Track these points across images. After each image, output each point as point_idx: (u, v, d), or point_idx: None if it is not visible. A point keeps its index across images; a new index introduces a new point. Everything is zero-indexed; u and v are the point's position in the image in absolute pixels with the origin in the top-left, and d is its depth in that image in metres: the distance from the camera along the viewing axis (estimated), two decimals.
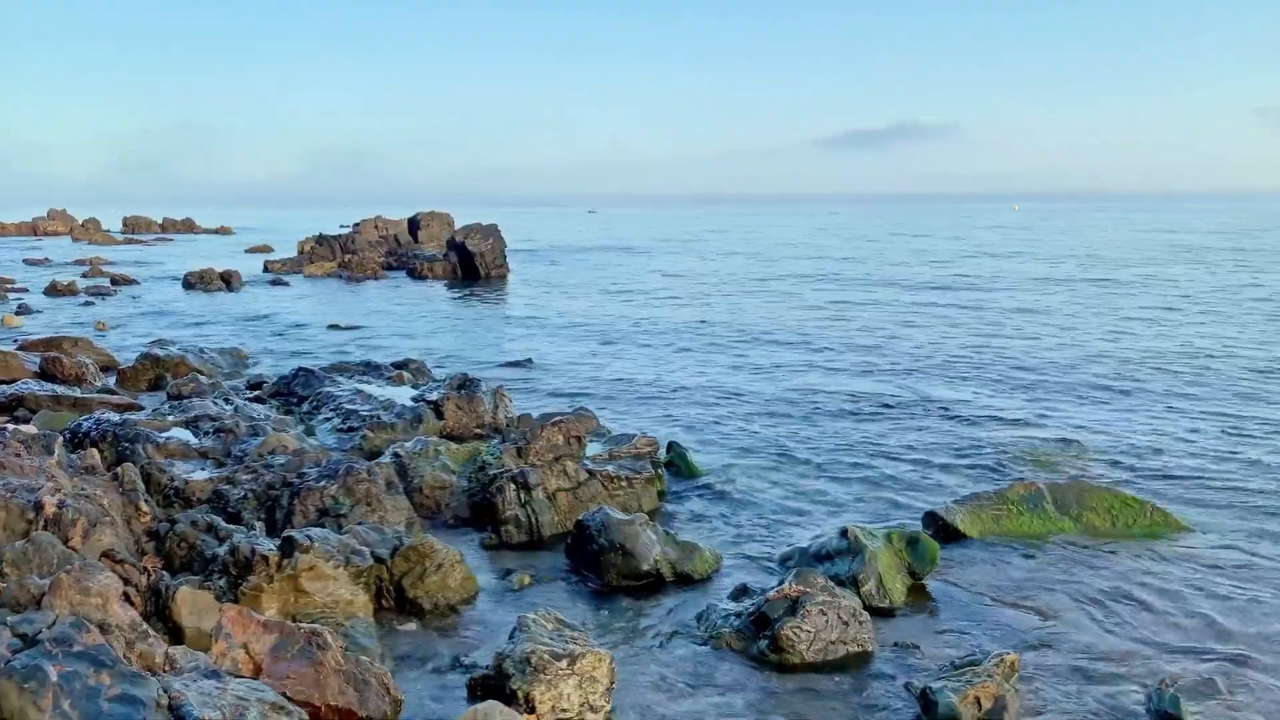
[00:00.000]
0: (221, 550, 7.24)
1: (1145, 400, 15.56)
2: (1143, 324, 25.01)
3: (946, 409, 14.99)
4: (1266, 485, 10.95)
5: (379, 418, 11.89)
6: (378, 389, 13.40)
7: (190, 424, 11.11)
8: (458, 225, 46.96)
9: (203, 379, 14.36)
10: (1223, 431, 13.40)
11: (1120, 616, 7.63)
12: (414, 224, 53.18)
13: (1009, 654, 6.55)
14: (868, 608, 7.56)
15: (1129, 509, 9.86)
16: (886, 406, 15.34)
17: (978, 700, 6.00)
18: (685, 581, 8.37)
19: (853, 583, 7.98)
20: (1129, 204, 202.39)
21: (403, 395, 13.10)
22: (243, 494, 9.05)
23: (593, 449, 11.34)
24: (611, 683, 6.11)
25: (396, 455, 10.31)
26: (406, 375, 14.77)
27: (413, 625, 7.39)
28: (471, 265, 39.45)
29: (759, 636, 7.04)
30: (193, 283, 35.79)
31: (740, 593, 7.92)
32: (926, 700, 6.09)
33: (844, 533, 8.55)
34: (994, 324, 25.28)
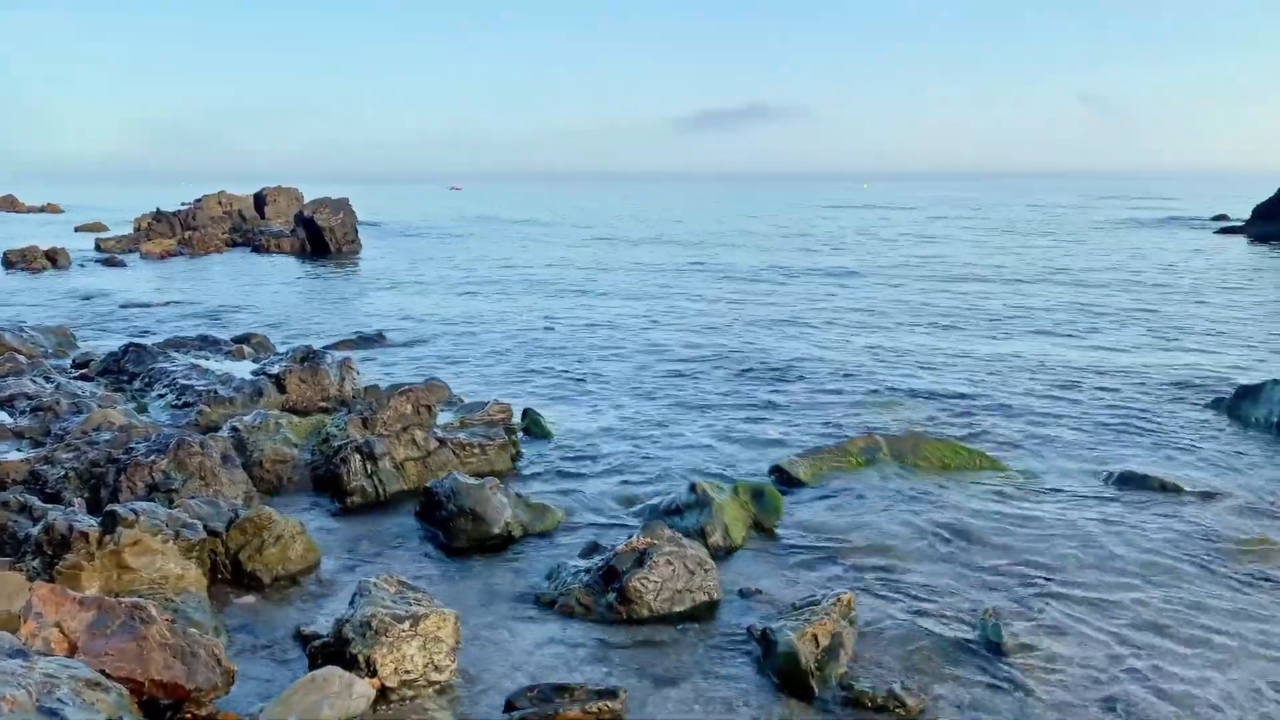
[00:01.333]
0: (35, 530, 6.78)
1: (968, 356, 16.45)
2: (967, 289, 26.38)
3: (792, 366, 15.45)
4: (1072, 430, 11.75)
5: (216, 392, 11.35)
6: (215, 364, 12.81)
7: (4, 404, 10.35)
8: (307, 201, 45.24)
9: (21, 358, 13.39)
10: (1032, 379, 14.30)
11: (950, 553, 8.05)
12: (260, 199, 50.97)
13: (845, 593, 6.81)
14: (715, 557, 7.74)
15: (959, 456, 10.42)
16: (734, 366, 15.70)
17: (815, 638, 6.21)
18: (537, 541, 8.36)
19: (700, 534, 8.15)
20: (968, 183, 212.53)
21: (242, 369, 12.57)
22: (63, 473, 8.50)
23: (445, 418, 11.17)
24: (457, 643, 6.04)
25: (234, 429, 9.88)
26: (247, 349, 14.17)
27: (251, 598, 7.12)
28: (321, 241, 38.12)
29: (607, 590, 7.10)
30: (13, 261, 33.27)
31: (591, 550, 7.96)
32: (767, 641, 6.27)
33: (692, 488, 8.72)
34: (839, 285, 26.18)
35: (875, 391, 14.02)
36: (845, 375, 15.13)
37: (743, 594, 7.36)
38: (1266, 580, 7.49)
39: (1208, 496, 9.31)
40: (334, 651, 5.87)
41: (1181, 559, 7.90)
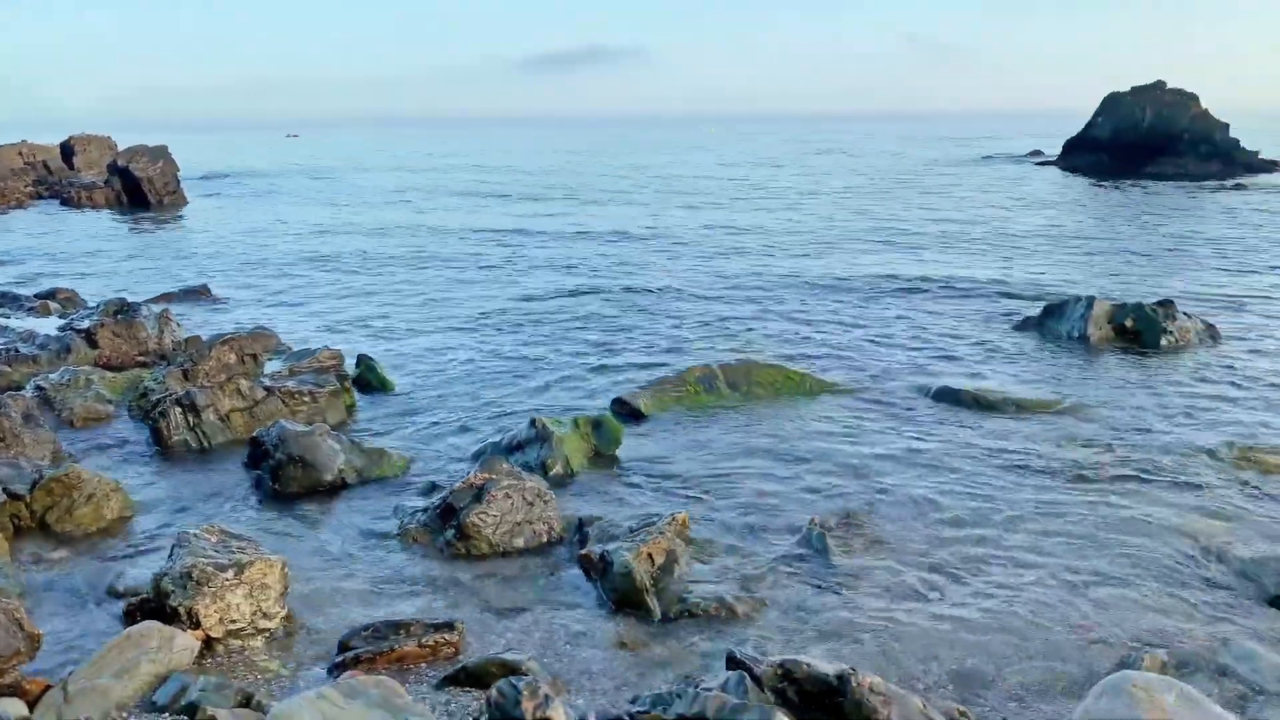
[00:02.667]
0: None
1: (798, 279, 17.01)
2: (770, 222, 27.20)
3: (634, 302, 15.59)
4: (894, 350, 12.38)
5: (17, 350, 10.54)
6: (16, 321, 11.87)
7: None
8: (121, 150, 42.13)
9: None
10: (859, 303, 14.96)
11: (780, 470, 8.36)
12: (67, 149, 47.12)
13: (680, 513, 7.00)
14: (556, 488, 7.78)
15: (790, 380, 10.79)
16: (577, 304, 15.72)
17: (650, 556, 6.36)
18: (374, 486, 8.20)
19: (541, 468, 8.18)
20: (808, 124, 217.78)
21: (48, 326, 11.70)
22: None
23: (273, 366, 10.75)
24: (286, 588, 5.88)
25: (39, 388, 9.22)
26: (53, 305, 13.21)
27: (62, 557, 6.72)
28: (139, 192, 35.64)
29: (446, 527, 7.05)
30: None
31: (429, 490, 7.88)
32: (603, 563, 6.37)
33: (532, 423, 8.72)
34: (679, 220, 26.49)
35: (713, 322, 14.33)
36: (685, 307, 15.38)
37: (583, 521, 7.43)
38: (1066, 478, 8.12)
39: (1016, 406, 9.98)
40: (154, 607, 5.62)
41: (991, 463, 8.47)
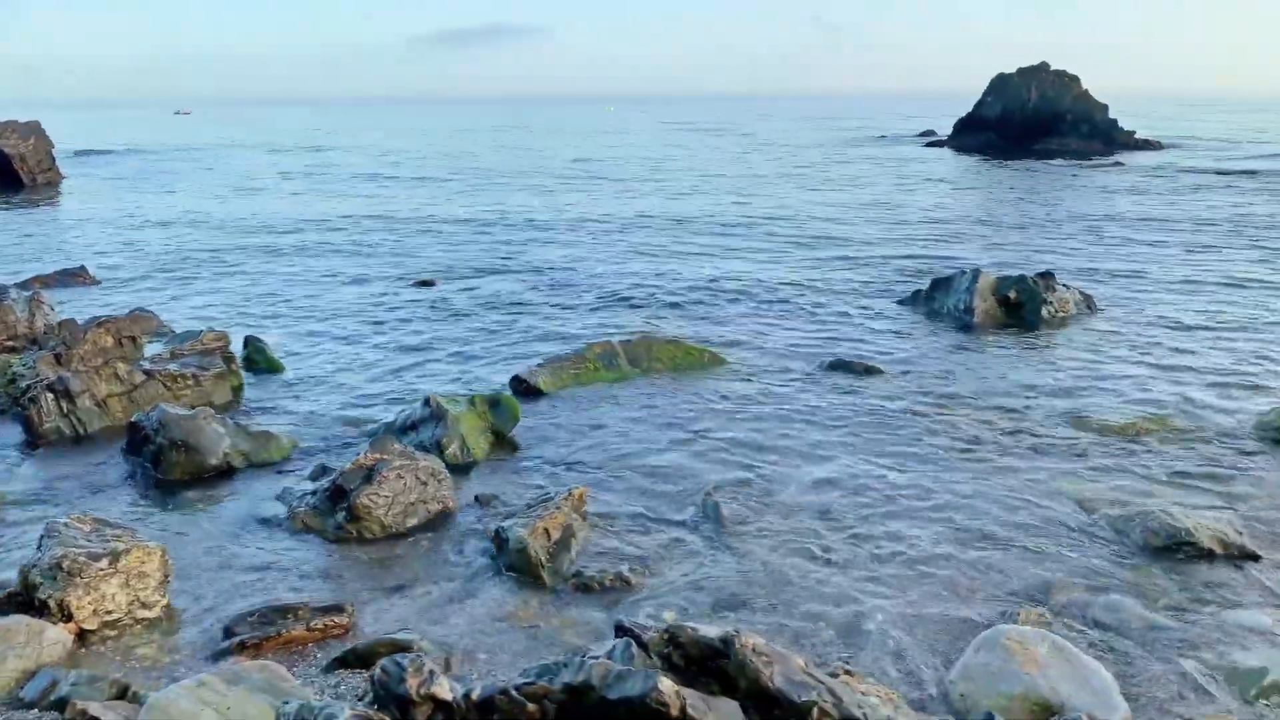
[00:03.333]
0: None
1: (702, 254, 17.16)
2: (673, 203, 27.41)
3: (535, 280, 15.49)
4: (791, 324, 12.60)
5: None
6: None
7: None
8: None
9: None
10: (757, 277, 15.18)
11: (678, 443, 8.43)
12: None
13: (577, 488, 6.99)
14: (452, 467, 7.69)
15: (689, 355, 10.88)
16: (476, 282, 15.54)
17: (546, 531, 6.33)
18: (262, 470, 7.96)
19: (437, 447, 8.06)
20: (708, 105, 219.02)
21: None
22: None
23: (154, 349, 10.33)
24: (166, 576, 5.68)
25: None
26: None
27: None
28: (10, 170, 33.75)
29: (336, 509, 6.89)
30: None
31: (320, 472, 7.69)
32: (499, 540, 6.33)
33: (426, 401, 8.58)
34: (578, 199, 26.41)
35: (614, 298, 14.34)
36: (586, 285, 15.35)
37: (479, 499, 7.37)
38: (952, 444, 8.39)
39: (904, 376, 10.26)
40: (22, 600, 5.36)
41: (881, 431, 8.70)
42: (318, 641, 5.34)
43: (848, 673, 4.65)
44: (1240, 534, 6.56)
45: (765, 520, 6.89)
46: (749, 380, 10.25)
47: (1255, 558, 6.27)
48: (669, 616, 5.54)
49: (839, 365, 10.50)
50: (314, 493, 7.16)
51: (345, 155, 51.34)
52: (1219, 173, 34.83)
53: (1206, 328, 12.33)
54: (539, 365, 10.38)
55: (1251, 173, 34.42)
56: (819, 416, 9.06)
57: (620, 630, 3.80)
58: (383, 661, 3.59)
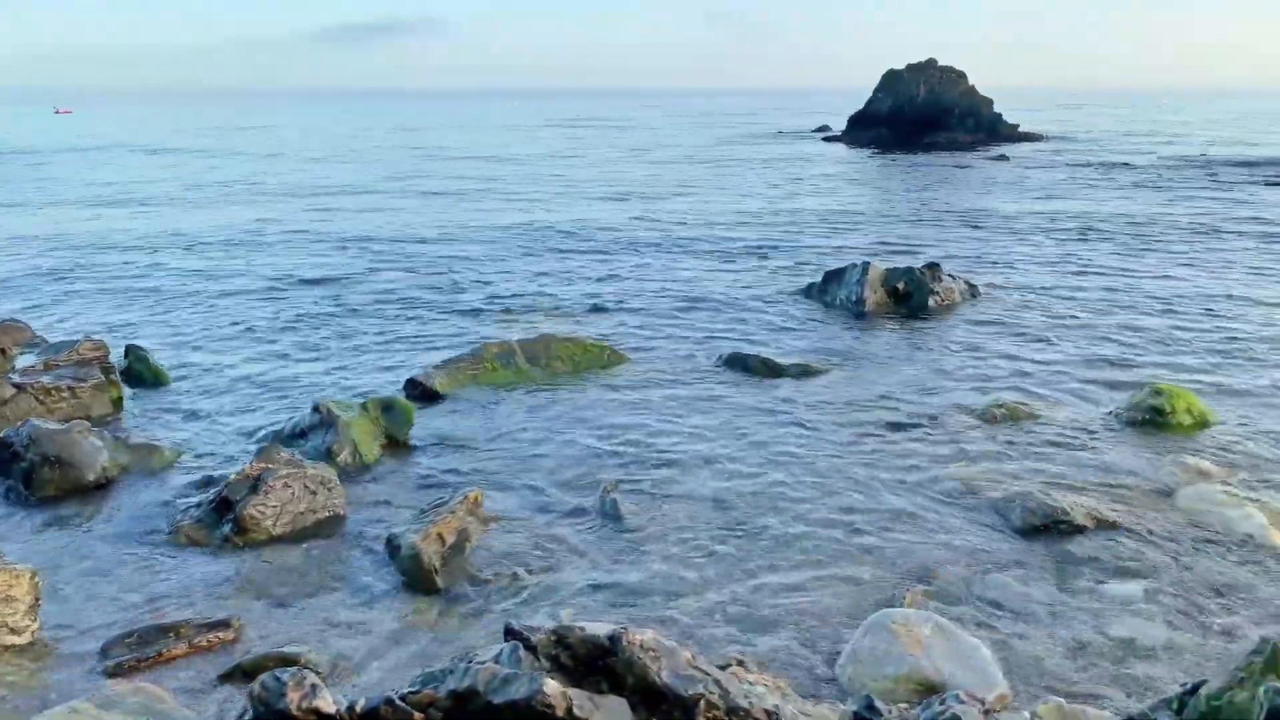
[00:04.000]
0: None
1: (594, 256, 17.20)
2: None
3: (429, 282, 15.28)
4: (689, 320, 12.74)
5: None
6: None
7: None
8: None
9: None
10: (658, 275, 15.29)
11: (576, 441, 8.43)
12: None
13: (473, 491, 6.93)
14: (344, 474, 7.54)
15: (588, 353, 10.87)
16: (367, 285, 15.24)
17: (440, 536, 6.26)
18: (144, 483, 7.66)
19: (328, 454, 7.88)
20: (602, 99, 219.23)
21: None
22: None
23: (25, 361, 9.84)
24: (37, 599, 5.42)
25: None
26: None
27: None
28: None
29: (222, 522, 6.69)
30: None
31: (205, 483, 7.45)
32: (392, 546, 6.23)
33: (316, 408, 8.39)
34: (472, 202, 26.15)
35: (513, 298, 14.24)
36: (484, 285, 15.21)
37: (373, 506, 7.25)
38: (845, 433, 8.59)
39: (798, 369, 10.46)
40: None
41: (776, 422, 8.86)
42: (204, 659, 5.18)
43: (740, 663, 4.72)
44: (1113, 510, 6.90)
45: (663, 515, 6.94)
46: (648, 377, 10.31)
47: (1125, 531, 6.60)
48: (566, 615, 5.55)
49: (735, 359, 10.64)
50: (199, 505, 6.94)
51: (235, 151, 49.70)
52: (1098, 165, 36.47)
53: (1079, 314, 12.90)
54: (435, 367, 10.24)
55: (1128, 165, 36.13)
56: (716, 410, 9.17)
57: (509, 633, 3.78)
58: (262, 677, 3.50)
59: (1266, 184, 29.23)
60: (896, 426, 8.74)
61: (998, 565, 6.25)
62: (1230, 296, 13.91)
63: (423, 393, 9.71)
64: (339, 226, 22.33)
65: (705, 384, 10.04)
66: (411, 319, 13.24)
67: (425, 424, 8.91)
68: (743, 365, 10.52)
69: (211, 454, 8.49)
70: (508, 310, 13.51)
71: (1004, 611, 5.72)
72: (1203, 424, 8.60)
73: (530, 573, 6.13)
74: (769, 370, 10.40)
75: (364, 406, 8.57)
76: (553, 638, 3.66)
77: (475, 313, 13.42)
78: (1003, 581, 6.04)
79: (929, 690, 4.67)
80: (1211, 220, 21.80)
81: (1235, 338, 11.73)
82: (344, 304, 14.16)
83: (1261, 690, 2.78)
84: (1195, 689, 3.73)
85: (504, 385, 10.01)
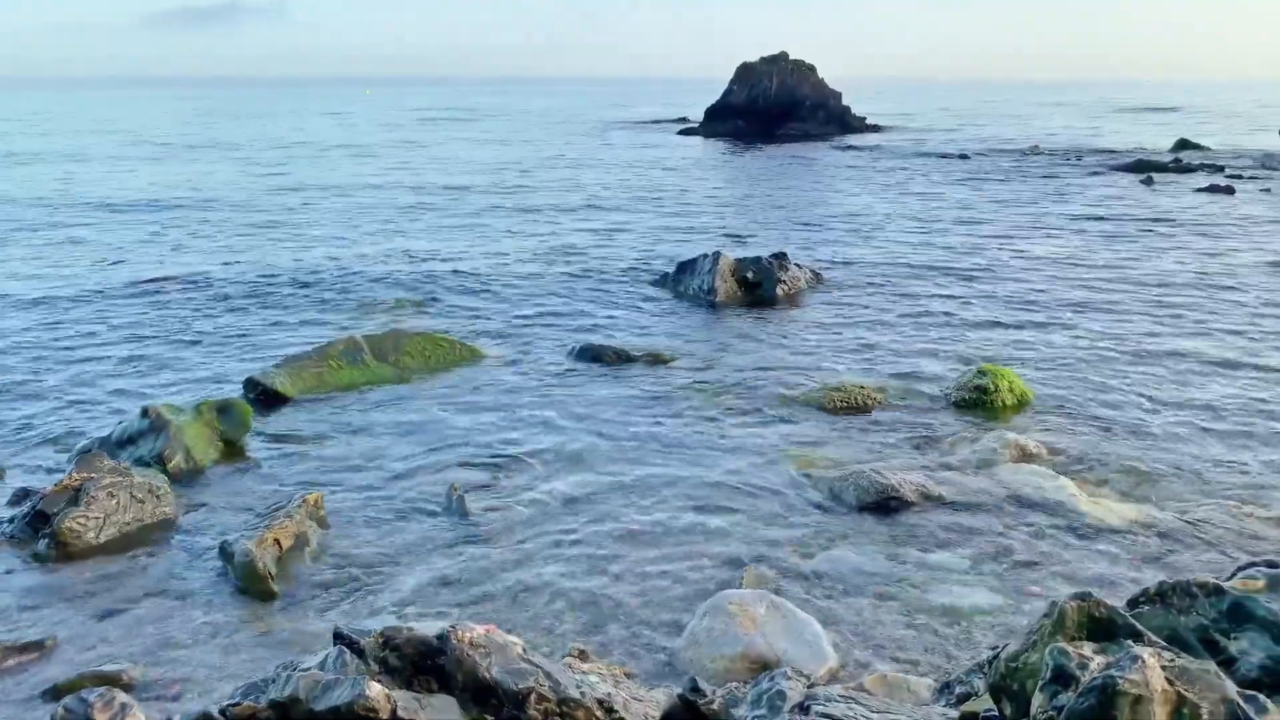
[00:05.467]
0: None
1: (450, 244, 16.98)
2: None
3: (271, 276, 14.73)
4: (542, 312, 12.75)
5: None
6: None
7: None
8: None
9: None
10: (505, 265, 15.22)
11: (423, 440, 8.30)
12: None
13: (313, 494, 6.75)
14: (177, 481, 7.22)
15: (440, 348, 10.72)
16: (203, 281, 14.56)
17: (277, 541, 6.08)
18: None
19: (159, 460, 7.53)
20: (459, 88, 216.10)
21: None
22: None
23: None
24: None
25: None
26: None
27: None
28: None
29: (39, 537, 6.30)
30: None
31: (20, 497, 6.99)
32: (225, 553, 6.01)
33: (145, 412, 7.99)
34: (321, 195, 25.39)
35: (361, 291, 13.90)
36: (329, 278, 14.76)
37: (208, 512, 6.97)
38: (691, 420, 8.76)
39: (651, 357, 10.60)
40: None
41: (626, 411, 8.97)
42: (14, 680, 4.87)
43: (581, 653, 4.78)
44: (939, 486, 7.28)
45: (511, 510, 6.93)
46: (501, 370, 10.25)
47: (950, 505, 6.99)
48: (410, 614, 5.48)
49: (587, 350, 10.69)
50: (12, 520, 6.52)
51: (64, 138, 46.57)
52: (940, 155, 38.19)
53: (915, 299, 13.52)
54: (276, 366, 9.90)
55: (964, 156, 37.98)
56: (568, 403, 9.20)
57: (337, 637, 3.71)
58: (65, 700, 3.33)
59: (1089, 174, 31.25)
60: (740, 411, 8.97)
61: (832, 541, 6.51)
62: (1054, 277, 14.84)
63: (263, 393, 9.37)
64: (175, 214, 21.21)
65: (558, 376, 10.06)
66: (252, 315, 12.73)
67: (266, 425, 8.63)
68: (595, 356, 10.58)
69: (29, 464, 7.99)
70: (354, 305, 13.16)
71: (837, 586, 5.97)
72: (1023, 401, 9.16)
73: (370, 572, 6.02)
74: (621, 359, 10.50)
75: (197, 409, 8.21)
76: (380, 640, 3.61)
77: (319, 308, 13.05)
78: (836, 556, 6.30)
79: (763, 668, 4.83)
80: (1037, 209, 23.15)
81: (1049, 309, 12.56)
82: (178, 299, 13.50)
83: (1047, 651, 2.99)
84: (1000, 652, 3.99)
85: (350, 383, 9.77)
